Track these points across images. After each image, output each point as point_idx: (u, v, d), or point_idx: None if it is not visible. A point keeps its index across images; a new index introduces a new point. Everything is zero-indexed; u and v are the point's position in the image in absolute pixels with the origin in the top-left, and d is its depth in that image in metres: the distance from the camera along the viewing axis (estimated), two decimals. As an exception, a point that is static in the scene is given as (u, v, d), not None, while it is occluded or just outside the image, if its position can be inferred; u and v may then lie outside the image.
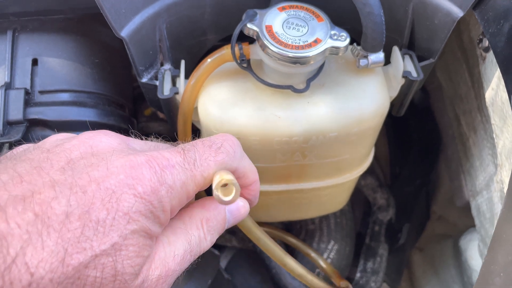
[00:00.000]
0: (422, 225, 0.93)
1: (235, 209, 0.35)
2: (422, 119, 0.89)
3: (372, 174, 0.87)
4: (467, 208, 0.74)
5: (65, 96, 0.51)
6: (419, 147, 0.96)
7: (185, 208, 0.33)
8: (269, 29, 0.43)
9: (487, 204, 0.63)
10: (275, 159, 0.49)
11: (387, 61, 0.50)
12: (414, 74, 0.47)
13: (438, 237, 0.93)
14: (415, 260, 0.96)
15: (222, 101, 0.46)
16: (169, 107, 0.49)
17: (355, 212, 0.86)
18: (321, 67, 0.47)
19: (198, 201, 0.35)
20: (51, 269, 0.23)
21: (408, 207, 0.89)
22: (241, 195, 0.36)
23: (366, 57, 0.45)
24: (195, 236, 0.32)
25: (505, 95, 0.47)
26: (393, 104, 0.54)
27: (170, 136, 0.76)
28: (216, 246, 0.77)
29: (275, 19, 0.43)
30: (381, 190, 0.85)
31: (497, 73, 0.49)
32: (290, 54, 0.41)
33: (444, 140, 0.87)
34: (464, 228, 0.81)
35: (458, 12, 0.44)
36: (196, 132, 0.53)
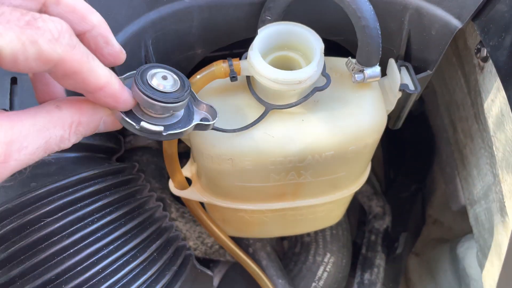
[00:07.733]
0: (418, 230, 0.92)
1: (110, 121, 0.34)
2: (415, 122, 0.87)
3: (367, 181, 0.85)
4: (462, 212, 0.72)
5: (47, 117, 0.48)
6: (413, 151, 0.95)
7: (57, 102, 0.31)
8: None
9: (485, 214, 0.61)
10: (269, 178, 0.47)
11: (383, 73, 0.49)
12: (411, 87, 0.46)
13: (434, 241, 0.92)
14: (412, 265, 0.95)
15: (212, 120, 0.44)
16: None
17: (350, 219, 0.84)
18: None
19: (74, 100, 0.31)
20: None
21: (404, 214, 0.87)
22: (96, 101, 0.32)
23: (362, 71, 0.43)
24: (57, 136, 0.30)
25: (505, 108, 0.45)
26: (389, 117, 0.52)
27: (159, 149, 0.74)
28: (209, 260, 0.75)
29: None
30: (376, 197, 0.83)
31: (496, 84, 0.47)
32: None
33: (438, 143, 0.86)
34: (460, 232, 0.80)
35: (457, 24, 0.42)
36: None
